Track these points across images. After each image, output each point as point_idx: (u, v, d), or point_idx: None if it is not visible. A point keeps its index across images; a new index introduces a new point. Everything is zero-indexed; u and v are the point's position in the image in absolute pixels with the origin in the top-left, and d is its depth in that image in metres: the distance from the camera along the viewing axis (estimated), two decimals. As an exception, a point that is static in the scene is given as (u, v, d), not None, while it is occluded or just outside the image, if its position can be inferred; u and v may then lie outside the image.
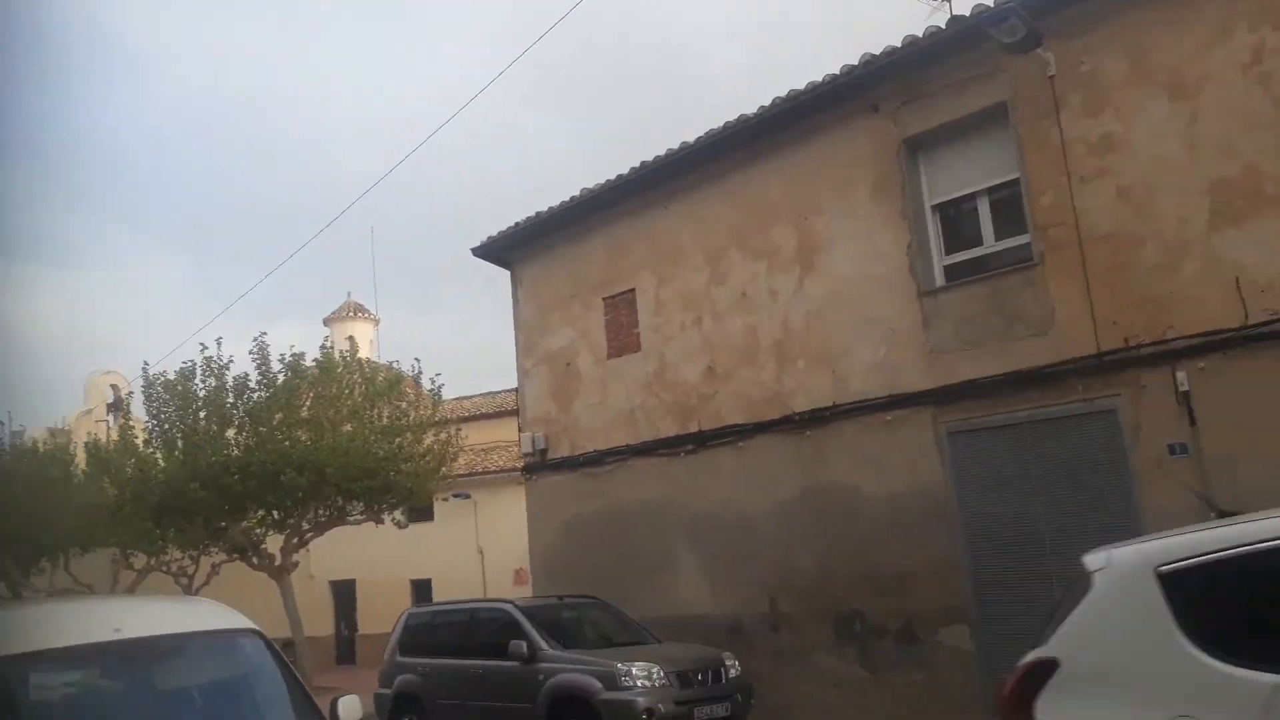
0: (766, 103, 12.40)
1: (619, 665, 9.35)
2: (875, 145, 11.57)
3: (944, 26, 10.64)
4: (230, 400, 21.36)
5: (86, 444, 27.28)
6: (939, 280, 11.13)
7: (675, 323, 13.81)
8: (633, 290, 14.47)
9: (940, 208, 11.32)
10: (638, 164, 14.12)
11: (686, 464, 13.29)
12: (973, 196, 11.06)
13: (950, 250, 11.25)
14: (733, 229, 13.18)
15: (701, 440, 13.17)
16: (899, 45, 11.08)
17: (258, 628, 4.94)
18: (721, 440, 12.93)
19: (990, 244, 10.90)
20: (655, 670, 9.35)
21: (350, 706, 4.70)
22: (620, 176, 14.35)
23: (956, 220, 11.35)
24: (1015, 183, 10.52)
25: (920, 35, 10.84)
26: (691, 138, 13.39)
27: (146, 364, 22.79)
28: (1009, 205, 10.71)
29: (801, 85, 12.06)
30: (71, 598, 7.66)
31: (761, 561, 12.13)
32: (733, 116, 12.89)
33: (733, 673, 10.11)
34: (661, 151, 13.82)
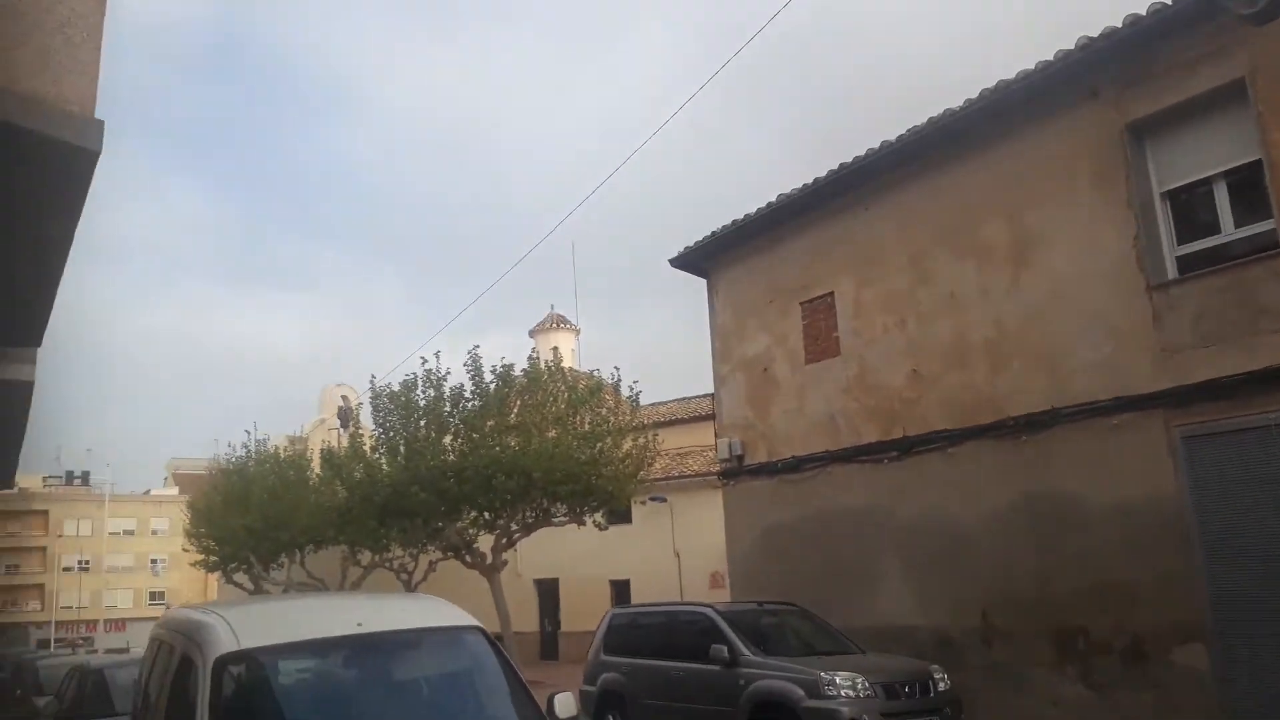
0: (974, 95, 11.86)
1: (823, 674, 9.15)
2: (1095, 133, 10.80)
3: (1171, 2, 9.81)
4: (447, 409, 22.74)
5: (321, 450, 29.76)
6: (1170, 272, 10.24)
7: (877, 326, 13.42)
8: (831, 294, 14.19)
9: (1170, 195, 10.41)
10: (836, 166, 13.87)
11: (891, 471, 12.86)
12: (1207, 181, 10.11)
13: (1183, 240, 10.32)
14: (939, 228, 12.67)
15: (907, 446, 12.70)
16: (1120, 26, 10.30)
17: (481, 625, 5.22)
18: (929, 446, 12.42)
19: (1229, 231, 9.92)
20: (860, 680, 9.08)
21: (566, 703, 4.88)
22: (818, 179, 14.13)
23: (1189, 208, 10.41)
24: (1256, 164, 9.53)
25: (1144, 14, 10.05)
26: (893, 135, 13.00)
27: (373, 378, 24.75)
28: (1249, 189, 9.71)
29: (1011, 75, 11.45)
30: (316, 594, 8.47)
31: (973, 573, 11.54)
32: (937, 111, 12.42)
33: (941, 686, 9.67)
34: (861, 151, 13.51)
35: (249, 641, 4.51)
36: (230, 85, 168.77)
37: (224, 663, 4.37)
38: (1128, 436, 10.13)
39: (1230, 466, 9.31)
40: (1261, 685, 8.89)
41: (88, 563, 69.97)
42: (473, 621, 5.24)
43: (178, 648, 4.93)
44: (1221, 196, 10.00)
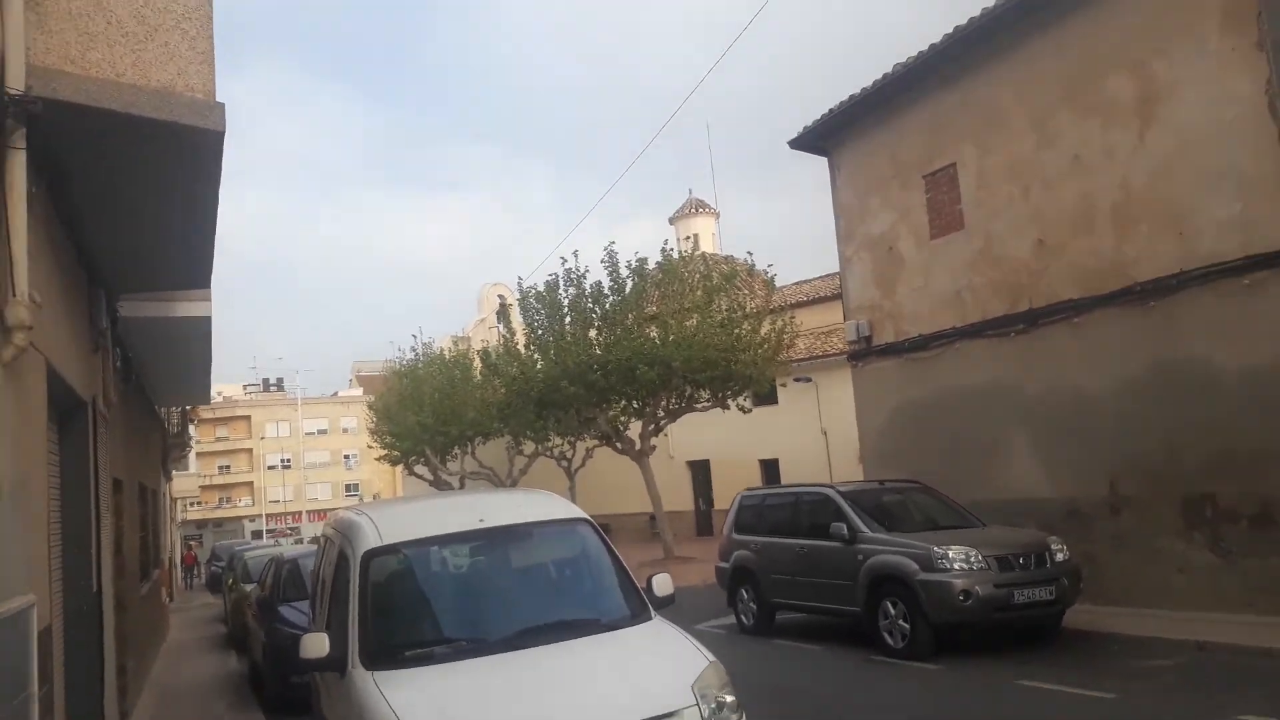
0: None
1: (935, 548, 9.49)
2: (1226, -32, 10.01)
3: None
4: (590, 305, 23.70)
5: (480, 350, 31.53)
6: (1310, 119, 9.55)
7: (1001, 195, 13.09)
8: (953, 165, 13.85)
9: (1311, 32, 9.60)
10: (950, 29, 13.33)
11: (1017, 344, 12.75)
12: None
13: (1325, 82, 9.57)
14: (1062, 85, 12.11)
15: (1033, 319, 12.53)
16: None
17: (588, 517, 5.93)
18: (1055, 317, 12.22)
19: (1379, 69, 9.13)
20: (974, 553, 9.38)
21: (662, 583, 5.49)
22: (933, 45, 13.63)
23: (1336, 45, 9.58)
24: None
25: None
26: (1013, -10, 12.36)
27: (520, 279, 25.99)
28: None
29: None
30: (448, 495, 9.55)
31: (1100, 443, 11.47)
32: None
33: (1059, 557, 9.83)
34: (977, 11, 12.91)
35: (390, 538, 5.38)
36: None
37: (370, 555, 5.25)
38: (1261, 296, 9.72)
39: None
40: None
41: (289, 460, 77.00)
42: (580, 514, 5.95)
43: (337, 543, 5.89)
44: (1371, 30, 9.19)
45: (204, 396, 16.01)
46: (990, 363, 13.12)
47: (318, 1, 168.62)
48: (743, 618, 12.43)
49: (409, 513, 6.37)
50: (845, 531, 10.44)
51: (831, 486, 11.68)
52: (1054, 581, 9.56)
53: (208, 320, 9.48)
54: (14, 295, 4.23)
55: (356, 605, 5.06)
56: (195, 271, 7.76)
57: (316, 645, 4.94)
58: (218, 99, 5.14)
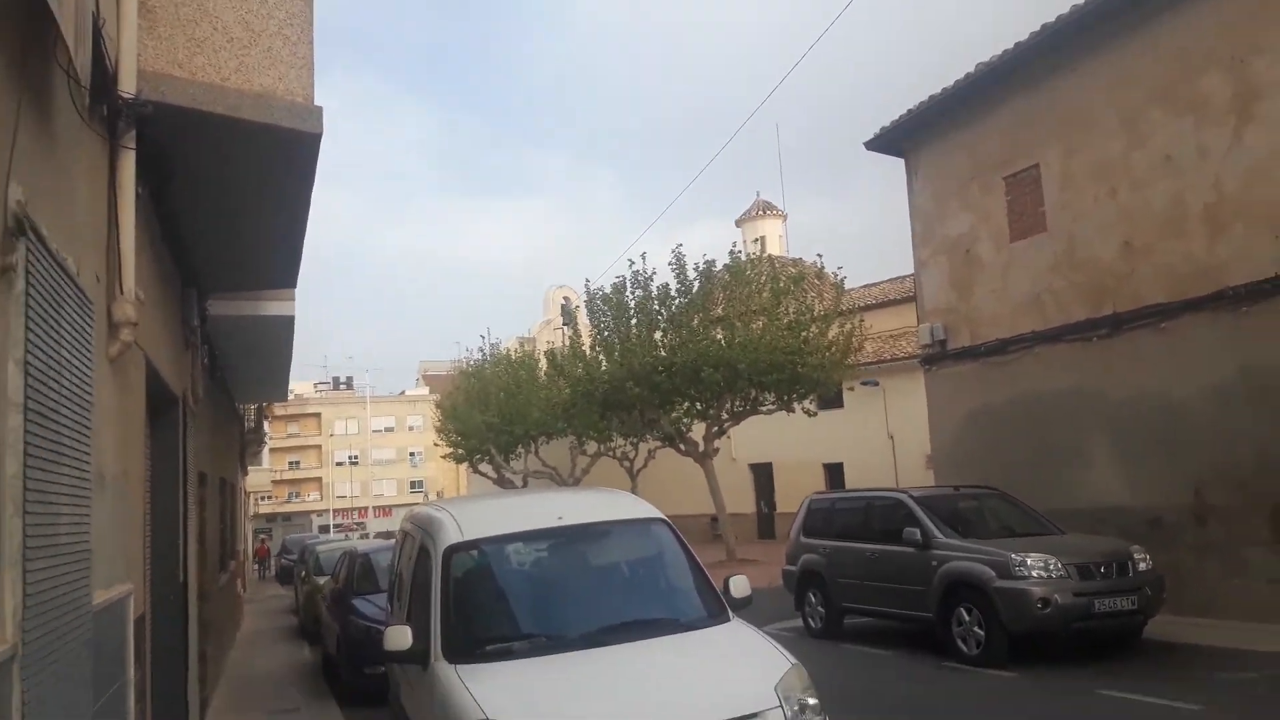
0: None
1: (1013, 555, 9.28)
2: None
3: None
4: (655, 307, 23.72)
5: (546, 351, 31.80)
6: None
7: (1086, 197, 12.78)
8: (1036, 166, 13.57)
9: None
10: (1038, 27, 13.06)
11: (1100, 349, 12.43)
12: None
13: None
14: (1153, 84, 11.80)
15: (1117, 323, 12.21)
16: None
17: (664, 517, 5.93)
18: (1141, 322, 11.90)
19: None
20: (1052, 561, 9.15)
21: (740, 584, 5.46)
22: (1019, 43, 13.38)
23: None
24: None
25: None
26: (1103, -14, 12.08)
27: (588, 281, 26.15)
28: None
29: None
30: (526, 492, 9.62)
31: (1186, 451, 11.12)
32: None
33: (1141, 566, 9.53)
34: (1066, 9, 12.63)
35: (471, 534, 5.45)
36: (448, 7, 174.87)
37: (452, 550, 5.32)
38: (1364, 303, 9.33)
39: None
40: None
41: (356, 457, 78.59)
42: (657, 514, 5.96)
43: (418, 538, 5.99)
44: None
45: (281, 394, 16.43)
46: (1071, 368, 12.81)
47: (392, 10, 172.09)
48: (810, 621, 12.32)
49: (489, 509, 6.46)
50: (919, 537, 10.27)
51: (904, 491, 11.51)
52: (1136, 591, 9.28)
53: (291, 320, 9.72)
54: (121, 293, 4.38)
55: (439, 599, 5.13)
56: (284, 271, 7.96)
57: (400, 638, 5.02)
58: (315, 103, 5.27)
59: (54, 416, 2.94)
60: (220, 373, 12.18)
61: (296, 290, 9.20)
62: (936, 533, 10.22)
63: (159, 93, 4.64)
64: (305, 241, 7.22)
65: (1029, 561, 9.15)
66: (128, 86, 4.28)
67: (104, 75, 4.01)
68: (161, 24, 4.86)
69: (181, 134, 4.99)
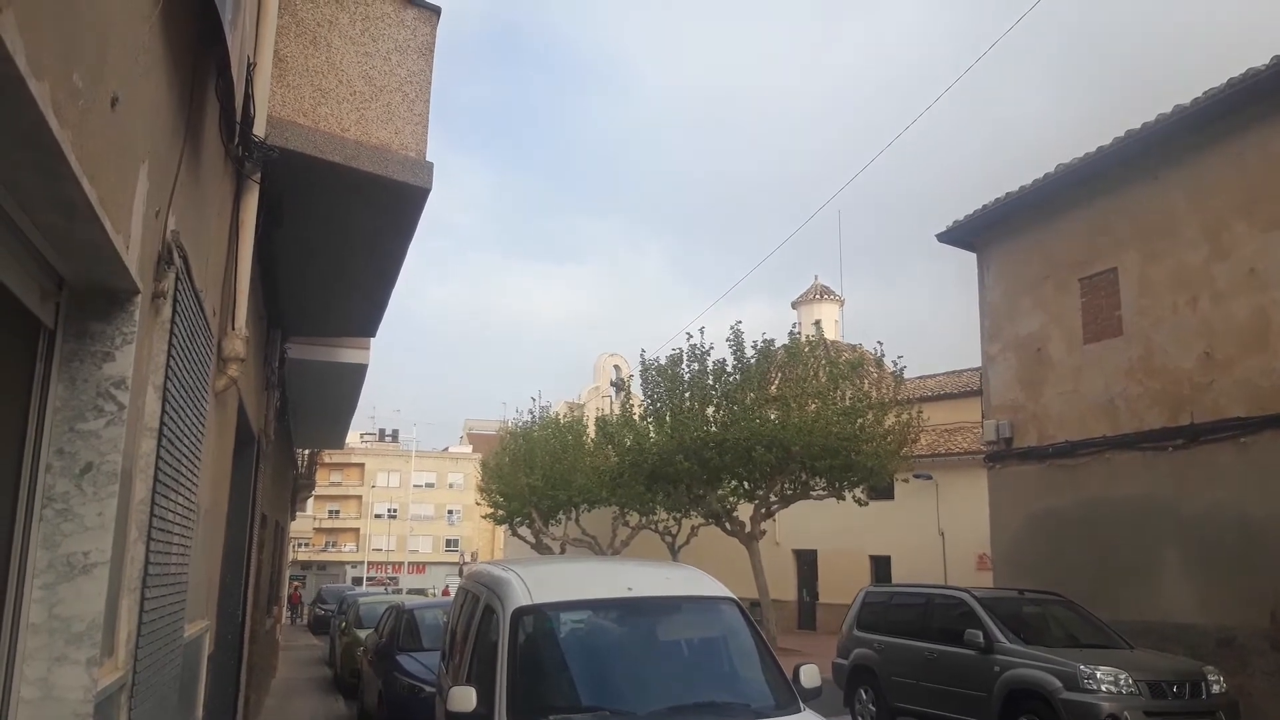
0: (1280, 51, 10.78)
1: (1082, 666, 8.87)
2: None
3: None
4: (710, 382, 23.62)
5: (596, 418, 31.76)
6: None
7: (1165, 304, 12.57)
8: (1114, 270, 13.41)
9: None
10: (1122, 133, 13.06)
11: (1174, 459, 12.07)
12: None
13: None
14: (1239, 196, 11.68)
15: (1194, 434, 11.86)
16: None
17: (734, 597, 5.77)
18: (1220, 435, 11.55)
19: None
20: (1124, 676, 8.73)
21: (811, 674, 5.26)
22: (1101, 148, 13.39)
23: None
24: None
25: None
26: (1188, 99, 12.07)
27: (643, 351, 26.18)
28: None
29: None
30: (593, 559, 9.49)
31: (1264, 571, 10.68)
32: (1238, 72, 11.40)
33: (1215, 688, 9.06)
34: (1151, 117, 12.63)
35: (540, 597, 5.35)
36: (506, 72, 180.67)
37: (520, 613, 5.22)
38: None
39: None
40: None
41: (395, 510, 78.68)
42: (728, 593, 5.80)
43: (482, 599, 5.89)
44: None
45: (339, 441, 16.57)
46: (1143, 476, 12.44)
47: (456, 68, 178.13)
48: (860, 719, 11.88)
49: (556, 574, 6.35)
50: (981, 640, 9.89)
51: (967, 591, 11.14)
52: (1210, 715, 8.81)
53: (364, 369, 9.85)
54: (233, 328, 4.46)
55: (506, 662, 5.01)
56: (366, 320, 8.10)
57: (464, 699, 4.90)
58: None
59: (178, 445, 2.96)
60: (286, 415, 12.34)
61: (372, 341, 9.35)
62: (1000, 637, 9.84)
63: (283, 138, 4.79)
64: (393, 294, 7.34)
65: (1099, 674, 8.75)
66: (260, 130, 4.42)
67: (245, 116, 4.15)
68: (291, 72, 5.04)
69: (296, 179, 5.13)
